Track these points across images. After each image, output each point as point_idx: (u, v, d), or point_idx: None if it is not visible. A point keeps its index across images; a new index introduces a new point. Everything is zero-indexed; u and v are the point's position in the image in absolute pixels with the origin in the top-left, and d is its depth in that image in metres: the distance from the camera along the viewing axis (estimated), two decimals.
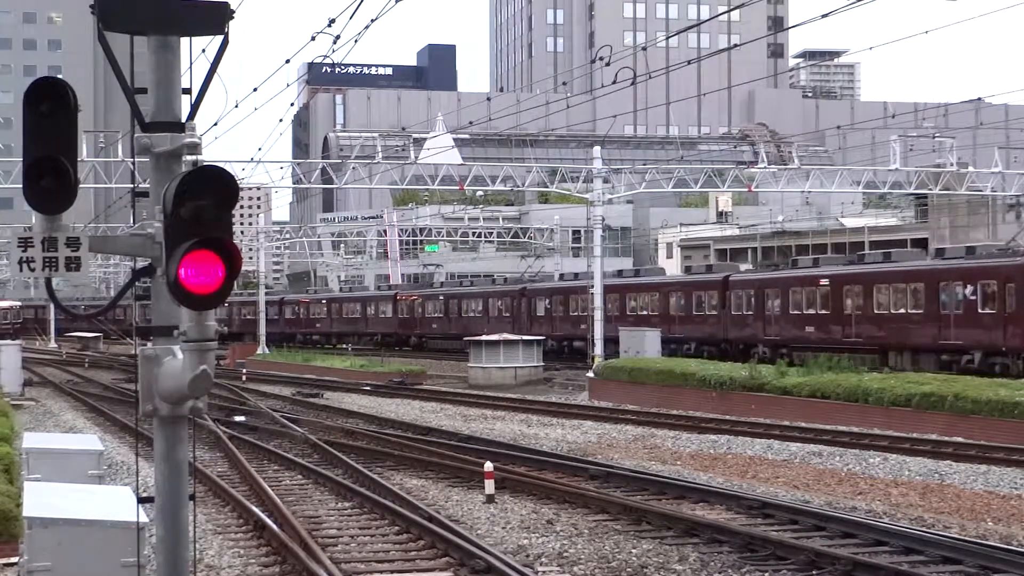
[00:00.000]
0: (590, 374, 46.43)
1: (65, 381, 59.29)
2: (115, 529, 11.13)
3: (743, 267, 69.09)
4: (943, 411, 30.41)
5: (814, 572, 15.49)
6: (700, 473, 24.88)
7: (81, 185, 6.55)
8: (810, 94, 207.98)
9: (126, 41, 6.79)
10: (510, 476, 23.28)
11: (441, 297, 78.66)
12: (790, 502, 20.27)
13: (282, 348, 79.32)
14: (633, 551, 16.90)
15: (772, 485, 23.17)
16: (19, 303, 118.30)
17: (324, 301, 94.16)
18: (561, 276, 74.06)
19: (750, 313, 52.71)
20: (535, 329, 63.03)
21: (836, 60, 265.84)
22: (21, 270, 6.47)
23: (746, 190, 61.93)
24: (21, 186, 6.55)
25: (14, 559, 14.54)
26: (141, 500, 8.28)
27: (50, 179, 6.40)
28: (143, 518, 10.60)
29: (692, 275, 61.30)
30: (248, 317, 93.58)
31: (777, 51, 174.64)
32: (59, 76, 6.63)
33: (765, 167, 60.36)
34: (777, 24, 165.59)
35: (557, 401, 44.06)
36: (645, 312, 59.72)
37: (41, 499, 11.96)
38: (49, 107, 6.42)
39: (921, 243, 70.22)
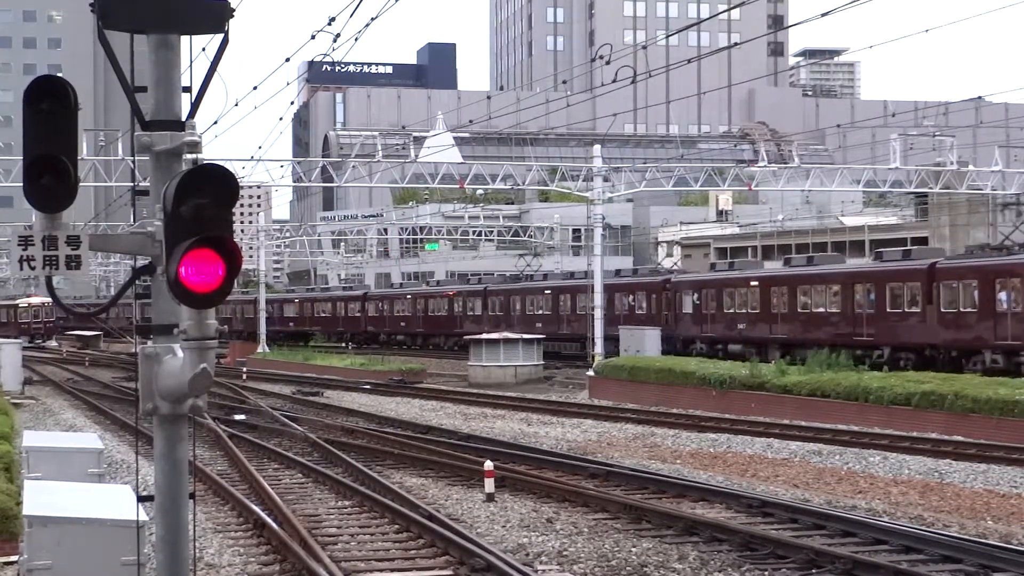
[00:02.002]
0: (590, 373, 46.44)
1: (65, 379, 59.30)
2: (115, 528, 11.13)
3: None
4: (943, 410, 30.42)
5: (814, 571, 15.49)
6: (700, 472, 24.89)
7: (81, 184, 6.55)
8: (810, 93, 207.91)
9: (126, 40, 6.78)
10: (510, 475, 23.28)
11: (564, 292, 65.71)
12: (790, 501, 20.27)
13: (283, 347, 79.20)
14: (633, 550, 16.90)
15: (772, 484, 23.18)
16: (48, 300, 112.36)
17: (409, 297, 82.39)
18: (633, 271, 66.53)
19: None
20: (682, 327, 55.80)
21: (836, 59, 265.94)
22: (21, 268, 6.47)
23: (746, 189, 61.94)
24: (21, 184, 6.54)
25: (14, 557, 14.54)
26: (141, 499, 8.28)
27: (50, 177, 6.40)
28: (143, 516, 10.61)
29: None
30: (322, 315, 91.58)
31: (777, 50, 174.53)
32: (59, 74, 6.63)
33: (765, 166, 60.33)
34: (777, 23, 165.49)
35: (557, 400, 44.06)
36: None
37: (41, 498, 11.96)
38: (49, 105, 6.41)
39: (921, 242, 70.24)
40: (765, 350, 49.39)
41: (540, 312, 66.44)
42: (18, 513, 14.45)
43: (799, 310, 49.31)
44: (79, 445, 16.60)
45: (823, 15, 26.11)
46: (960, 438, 28.71)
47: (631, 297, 59.88)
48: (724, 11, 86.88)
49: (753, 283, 52.11)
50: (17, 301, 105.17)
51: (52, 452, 15.94)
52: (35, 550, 11.15)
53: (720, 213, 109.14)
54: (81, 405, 44.53)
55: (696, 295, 55.12)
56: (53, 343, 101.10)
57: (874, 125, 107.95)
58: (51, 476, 14.63)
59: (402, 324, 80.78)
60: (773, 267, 60.01)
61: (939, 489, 22.13)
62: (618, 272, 63.77)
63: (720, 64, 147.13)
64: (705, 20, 68.53)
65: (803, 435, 30.23)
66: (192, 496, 6.86)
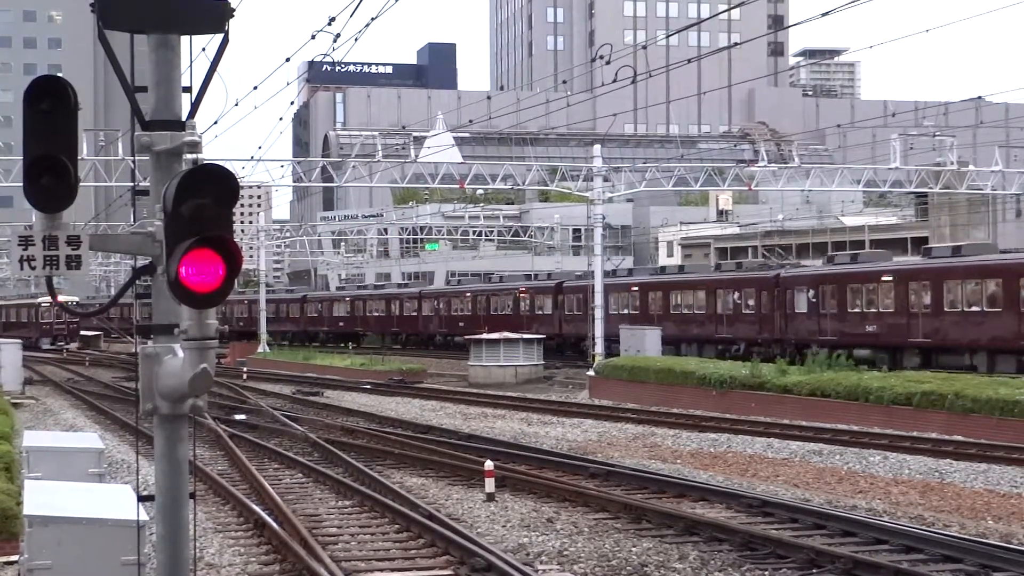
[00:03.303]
0: (590, 372, 46.44)
1: (65, 379, 59.31)
2: (115, 527, 11.13)
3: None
4: (943, 410, 30.42)
5: (814, 571, 15.49)
6: (700, 472, 24.89)
7: (81, 183, 6.55)
8: (810, 93, 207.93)
9: (126, 39, 6.78)
10: (510, 474, 23.28)
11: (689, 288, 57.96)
12: (790, 500, 20.27)
13: (288, 346, 79.07)
14: (633, 549, 16.90)
15: (772, 483, 23.18)
16: (76, 299, 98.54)
17: (469, 295, 75.64)
18: (737, 265, 60.90)
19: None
20: (794, 329, 49.68)
21: (836, 59, 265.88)
22: (22, 268, 6.48)
23: (746, 189, 61.93)
24: (21, 184, 6.55)
25: (14, 557, 14.54)
26: (141, 498, 8.28)
27: (50, 177, 6.41)
28: (143, 516, 10.60)
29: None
30: (375, 314, 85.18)
31: (777, 49, 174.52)
32: (59, 74, 6.63)
33: (765, 166, 60.35)
34: (777, 23, 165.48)
35: (557, 400, 44.06)
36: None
37: (41, 497, 11.96)
38: (49, 105, 6.42)
39: (922, 242, 70.25)
40: (900, 356, 44.38)
41: (626, 311, 59.00)
42: (18, 513, 14.45)
43: (945, 309, 42.88)
44: (79, 445, 16.60)
45: (823, 15, 26.11)
46: (960, 438, 28.71)
47: (735, 295, 52.76)
48: (724, 11, 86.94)
49: (886, 278, 45.70)
50: (39, 300, 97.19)
51: (52, 452, 15.93)
52: (35, 550, 11.15)
53: (720, 213, 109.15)
54: (81, 405, 44.54)
55: (812, 292, 48.74)
56: (74, 346, 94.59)
57: (874, 125, 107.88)
58: (51, 476, 14.63)
59: (461, 324, 72.36)
60: (908, 260, 54.93)
61: (939, 489, 22.12)
62: (718, 267, 58.52)
63: (720, 64, 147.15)
64: (705, 20, 68.65)
65: (803, 435, 30.23)
66: (192, 496, 6.86)
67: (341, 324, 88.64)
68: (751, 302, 51.99)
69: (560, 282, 66.72)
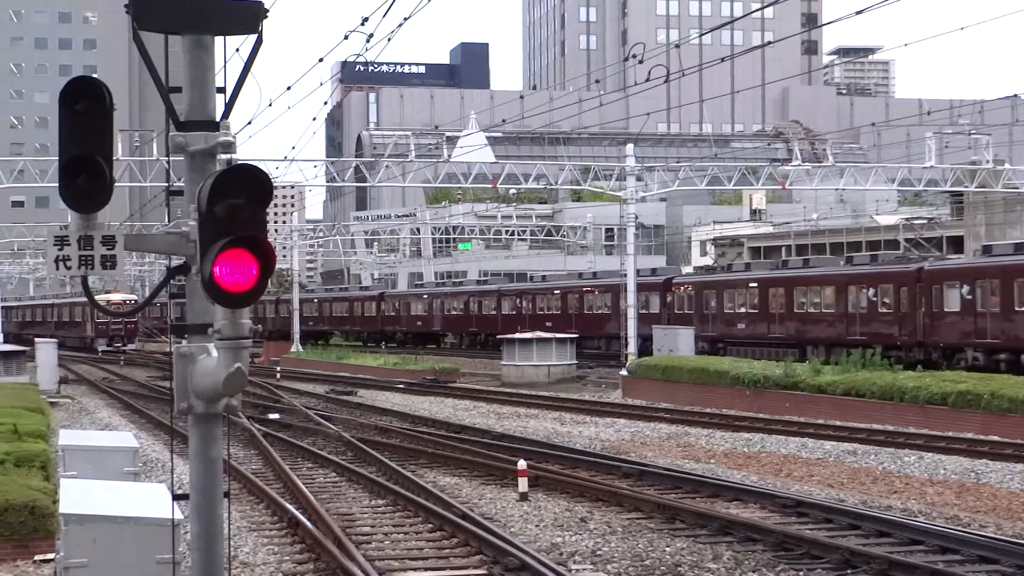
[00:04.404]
0: (623, 372, 46.38)
1: (100, 379, 59.66)
2: (150, 526, 11.18)
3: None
4: (979, 410, 30.22)
5: (849, 571, 15.41)
6: (734, 471, 24.82)
7: (116, 184, 6.57)
8: (844, 91, 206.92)
9: (161, 40, 6.81)
10: (543, 474, 23.27)
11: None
12: (824, 501, 20.18)
13: (316, 346, 79.23)
14: (667, 549, 16.86)
15: (806, 484, 23.09)
16: (134, 297, 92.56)
17: (559, 292, 68.76)
18: (871, 258, 52.31)
19: None
20: (941, 331, 43.40)
21: (871, 57, 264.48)
22: (57, 268, 6.52)
23: (780, 188, 61.70)
24: (57, 185, 6.58)
25: (51, 555, 14.64)
26: (176, 497, 8.30)
27: (86, 178, 6.43)
28: (178, 515, 10.65)
29: None
30: (493, 313, 74.38)
31: (811, 48, 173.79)
32: (95, 75, 6.66)
33: (799, 165, 60.06)
34: (811, 21, 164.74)
35: (590, 399, 44.01)
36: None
37: (77, 496, 12.02)
38: (85, 106, 6.44)
39: (957, 241, 69.79)
40: None
41: (744, 310, 54.11)
42: (55, 511, 14.54)
43: None
44: (115, 444, 16.69)
45: (857, 13, 25.95)
46: (997, 438, 28.51)
47: (870, 291, 46.80)
48: (757, 9, 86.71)
49: None
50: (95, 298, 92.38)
51: (88, 451, 16.02)
52: (72, 548, 11.21)
53: (754, 212, 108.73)
54: (116, 404, 44.79)
55: (966, 288, 42.00)
56: (133, 346, 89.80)
57: (909, 124, 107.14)
58: (87, 474, 14.70)
59: (548, 325, 63.92)
60: None
61: (975, 489, 21.98)
62: (849, 260, 51.43)
63: (754, 63, 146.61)
64: (738, 19, 68.44)
65: (838, 435, 30.09)
66: (227, 494, 6.87)
67: (419, 324, 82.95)
68: (887, 300, 45.75)
69: (669, 278, 61.22)
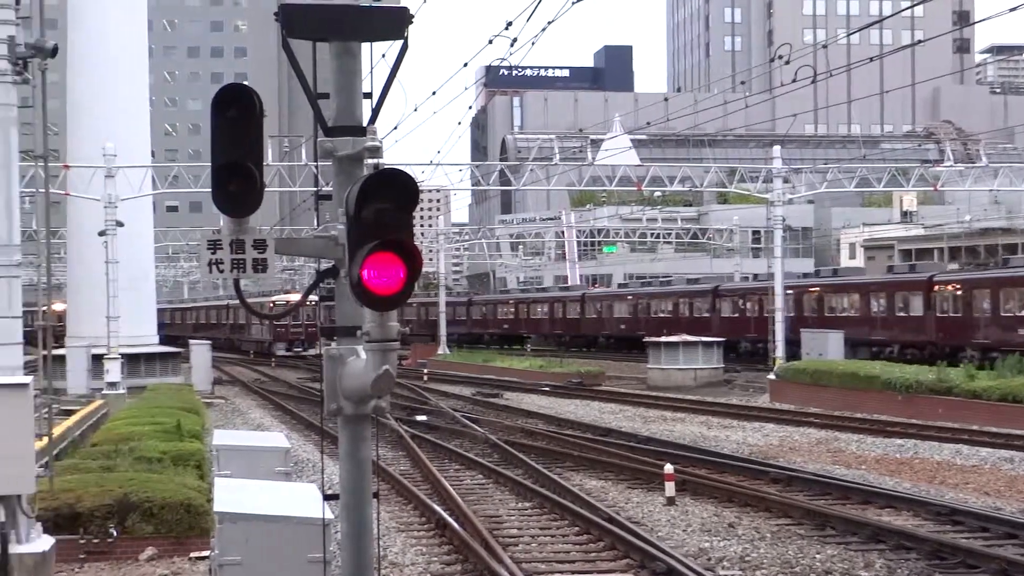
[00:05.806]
0: (771, 376, 45.82)
1: (252, 380, 60.83)
2: (302, 525, 11.33)
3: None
4: None
5: None
6: (886, 478, 24.36)
7: (266, 188, 6.67)
8: (998, 90, 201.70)
9: (309, 48, 6.90)
10: (690, 478, 23.11)
11: None
12: (980, 509, 19.71)
13: (463, 348, 79.56)
14: (817, 556, 16.61)
15: (961, 491, 22.56)
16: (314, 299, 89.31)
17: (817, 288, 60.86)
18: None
19: None
20: None
21: None
22: (211, 271, 6.65)
23: (931, 189, 60.40)
24: (210, 190, 6.70)
25: (206, 553, 14.96)
26: (326, 497, 8.41)
27: (237, 183, 6.54)
28: (328, 515, 10.78)
29: None
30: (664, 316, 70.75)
31: (963, 46, 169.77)
32: (245, 83, 6.77)
33: (951, 166, 58.76)
34: (963, 19, 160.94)
35: (737, 403, 43.57)
36: None
37: (231, 495, 12.23)
38: (236, 113, 6.54)
39: None
40: None
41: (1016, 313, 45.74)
42: (209, 510, 14.85)
43: None
44: (267, 444, 16.95)
45: (1011, 10, 25.25)
46: None
47: None
48: (907, 7, 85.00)
49: None
50: (272, 299, 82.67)
51: (241, 451, 16.29)
52: (226, 546, 11.41)
53: (904, 214, 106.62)
54: (268, 405, 45.63)
55: None
56: (314, 351, 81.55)
57: None
58: (240, 474, 14.95)
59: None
60: None
61: None
62: None
63: (903, 62, 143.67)
64: (888, 17, 67.16)
65: (994, 441, 29.34)
66: (376, 495, 6.93)
67: (623, 327, 76.65)
68: None
69: (932, 275, 52.78)
